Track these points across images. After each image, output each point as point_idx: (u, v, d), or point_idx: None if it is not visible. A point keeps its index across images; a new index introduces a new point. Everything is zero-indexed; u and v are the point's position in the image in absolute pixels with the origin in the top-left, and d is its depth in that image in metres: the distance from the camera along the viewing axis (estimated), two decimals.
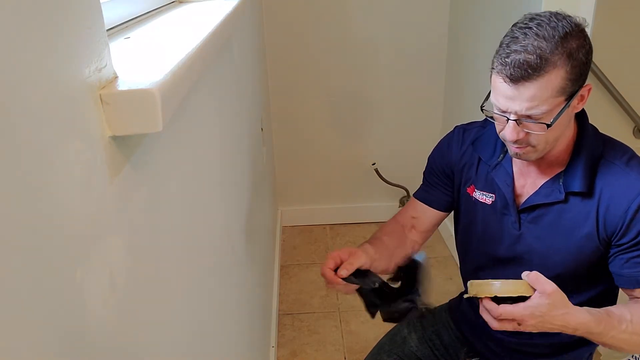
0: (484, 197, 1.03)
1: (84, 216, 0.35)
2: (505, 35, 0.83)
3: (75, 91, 0.35)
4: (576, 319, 0.82)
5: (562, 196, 0.91)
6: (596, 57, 2.35)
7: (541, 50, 0.78)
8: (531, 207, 0.95)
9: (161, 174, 0.54)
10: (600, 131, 0.97)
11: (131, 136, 0.44)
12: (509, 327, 0.83)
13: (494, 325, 0.84)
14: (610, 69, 2.13)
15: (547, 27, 0.79)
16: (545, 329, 0.83)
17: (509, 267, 1.00)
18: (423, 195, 1.15)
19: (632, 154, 0.91)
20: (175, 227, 0.59)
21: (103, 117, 0.38)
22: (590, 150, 0.91)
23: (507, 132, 0.84)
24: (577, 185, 0.89)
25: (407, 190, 2.50)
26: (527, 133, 0.84)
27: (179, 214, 0.61)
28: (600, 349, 1.59)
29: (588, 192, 0.89)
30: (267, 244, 1.85)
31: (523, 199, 0.97)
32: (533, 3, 1.43)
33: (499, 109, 0.85)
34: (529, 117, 0.82)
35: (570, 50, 0.79)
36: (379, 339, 1.26)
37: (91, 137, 0.37)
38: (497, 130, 0.90)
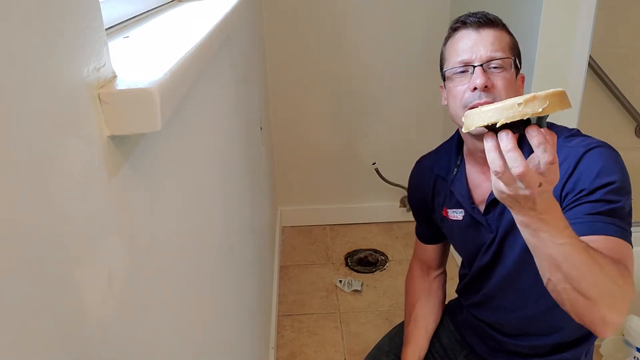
0: (455, 215, 1.06)
1: (83, 216, 0.35)
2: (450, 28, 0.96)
3: (73, 90, 0.34)
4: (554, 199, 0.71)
5: None
6: (597, 57, 2.36)
7: (492, 15, 0.93)
8: (491, 204, 0.97)
9: (160, 174, 0.54)
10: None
11: (130, 136, 0.44)
12: (535, 178, 0.62)
13: (523, 164, 0.61)
14: (611, 68, 2.13)
15: (485, 12, 0.93)
16: (538, 205, 0.67)
17: (498, 269, 1.01)
18: (420, 233, 1.25)
19: (576, 132, 0.92)
20: (174, 227, 0.59)
21: (102, 116, 0.38)
22: None
23: (477, 79, 0.87)
24: None
25: (407, 190, 2.50)
26: (492, 86, 0.87)
27: (178, 214, 0.61)
28: (602, 349, 1.59)
29: None
30: (267, 244, 1.84)
31: (485, 204, 0.99)
32: (533, 3, 1.42)
33: (463, 62, 0.91)
34: (492, 59, 0.89)
35: (508, 30, 0.94)
36: (379, 340, 1.26)
37: (90, 137, 0.36)
38: (460, 96, 0.91)
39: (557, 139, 0.85)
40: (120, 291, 0.41)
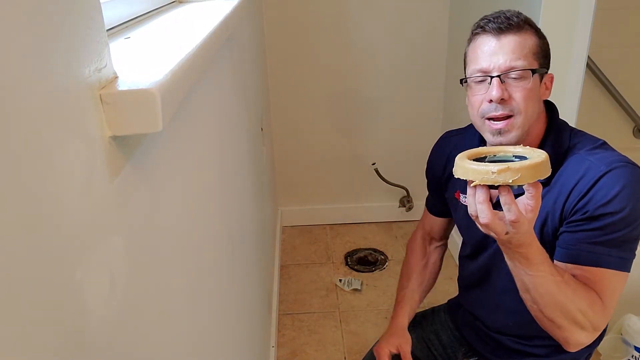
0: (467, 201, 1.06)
1: (84, 216, 0.35)
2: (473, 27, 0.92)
3: (75, 91, 0.35)
4: (534, 236, 0.79)
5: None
6: (596, 57, 2.36)
7: (516, 17, 0.87)
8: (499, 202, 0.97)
9: (161, 174, 0.54)
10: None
11: (131, 136, 0.44)
12: (500, 228, 0.73)
13: (488, 217, 0.73)
14: (610, 69, 2.13)
15: (509, 14, 0.88)
16: (512, 242, 0.77)
17: (495, 262, 1.02)
18: (429, 204, 1.25)
19: (601, 144, 0.91)
20: (175, 227, 0.59)
21: (103, 117, 0.38)
22: (556, 144, 0.92)
23: (492, 91, 0.85)
24: None
25: (407, 190, 2.50)
26: (510, 98, 0.86)
27: (179, 214, 0.61)
28: (600, 348, 1.59)
29: (547, 182, 0.90)
30: (267, 244, 1.85)
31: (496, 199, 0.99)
32: (531, 3, 1.43)
33: (481, 71, 0.88)
34: (511, 69, 0.85)
35: (535, 28, 0.89)
36: (378, 338, 1.27)
37: (91, 137, 0.37)
38: (477, 105, 0.89)
39: (582, 149, 0.90)
40: (121, 291, 0.41)
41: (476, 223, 0.77)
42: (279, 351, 1.79)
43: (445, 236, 1.28)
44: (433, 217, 1.24)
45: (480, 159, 0.76)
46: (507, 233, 0.74)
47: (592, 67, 2.10)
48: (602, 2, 1.61)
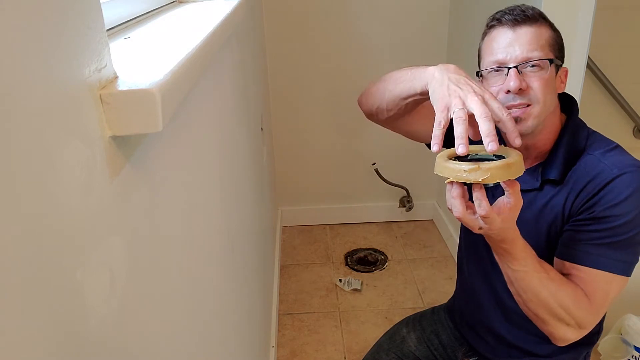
0: None
1: (84, 216, 0.35)
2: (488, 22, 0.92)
3: (75, 91, 0.35)
4: (517, 233, 0.81)
5: (538, 184, 0.94)
6: (596, 57, 2.36)
7: (531, 9, 0.88)
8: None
9: (161, 174, 0.54)
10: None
11: (131, 136, 0.44)
12: (473, 222, 0.76)
13: (459, 211, 0.75)
14: (610, 69, 2.13)
15: (524, 7, 0.89)
16: (493, 237, 0.79)
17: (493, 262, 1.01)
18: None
19: (615, 147, 0.91)
20: (175, 227, 0.59)
21: (103, 117, 0.38)
22: (572, 143, 0.92)
23: (510, 82, 0.85)
24: (553, 173, 0.91)
25: (407, 190, 2.50)
26: (528, 87, 0.86)
27: (179, 214, 0.61)
28: (600, 348, 1.59)
29: (560, 180, 0.91)
30: (267, 244, 1.85)
31: None
32: (532, 4, 1.43)
33: (498, 62, 0.88)
34: (528, 60, 0.85)
35: (549, 22, 0.90)
36: (378, 338, 1.27)
37: (91, 137, 0.37)
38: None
39: (595, 151, 0.91)
40: (121, 291, 0.41)
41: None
42: (279, 351, 1.79)
43: (411, 122, 1.12)
44: (426, 115, 1.05)
45: (464, 157, 0.79)
46: (480, 228, 0.77)
47: (592, 67, 2.10)
48: (602, 2, 1.61)
